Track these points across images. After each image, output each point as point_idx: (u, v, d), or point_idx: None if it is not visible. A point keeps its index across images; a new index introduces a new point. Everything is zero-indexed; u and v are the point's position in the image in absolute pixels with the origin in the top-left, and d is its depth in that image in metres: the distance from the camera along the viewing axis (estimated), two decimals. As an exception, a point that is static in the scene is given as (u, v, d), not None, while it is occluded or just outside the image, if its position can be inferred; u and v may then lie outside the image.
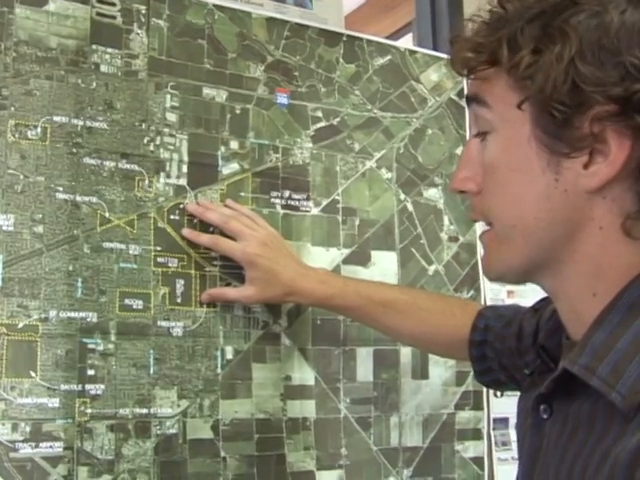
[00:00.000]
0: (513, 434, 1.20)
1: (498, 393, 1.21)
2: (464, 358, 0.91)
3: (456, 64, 0.60)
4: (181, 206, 0.92)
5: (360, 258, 1.05)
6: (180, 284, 0.90)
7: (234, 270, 0.93)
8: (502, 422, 1.19)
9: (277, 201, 0.99)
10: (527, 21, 0.54)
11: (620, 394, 0.51)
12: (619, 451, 0.49)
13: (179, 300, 0.90)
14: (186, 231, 0.91)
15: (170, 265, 0.90)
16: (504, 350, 0.82)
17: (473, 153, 0.60)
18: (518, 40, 0.54)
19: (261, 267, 0.89)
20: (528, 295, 1.24)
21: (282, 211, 1.00)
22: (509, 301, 1.24)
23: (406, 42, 1.23)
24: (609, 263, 0.55)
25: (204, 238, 0.91)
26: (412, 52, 1.16)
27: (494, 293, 1.22)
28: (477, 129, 0.61)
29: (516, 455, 1.18)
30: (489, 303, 1.19)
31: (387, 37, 1.35)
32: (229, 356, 0.92)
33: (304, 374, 0.98)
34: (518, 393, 1.33)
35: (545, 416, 0.59)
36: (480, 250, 1.17)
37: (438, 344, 0.95)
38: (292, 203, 1.01)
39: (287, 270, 0.90)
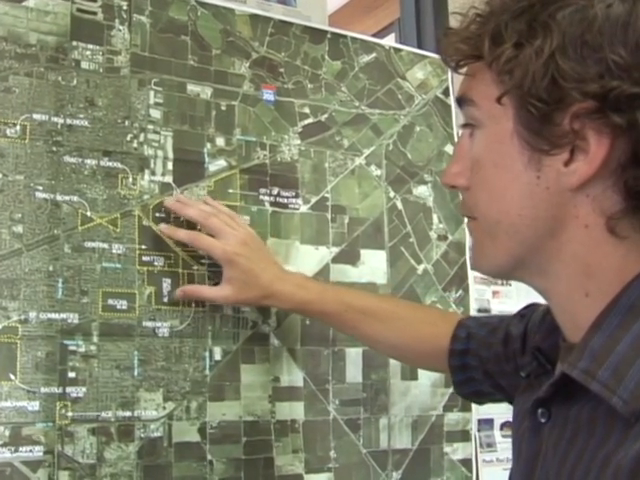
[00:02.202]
0: (498, 435, 1.20)
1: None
2: (444, 370, 0.90)
3: (445, 57, 0.59)
4: (166, 203, 0.91)
5: (349, 257, 1.04)
6: (167, 283, 0.88)
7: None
8: (487, 423, 1.19)
9: (266, 198, 0.98)
10: (514, 15, 0.53)
11: (621, 399, 0.50)
12: (621, 457, 0.48)
13: (166, 300, 0.88)
14: (163, 226, 0.89)
15: (156, 264, 0.88)
16: (490, 357, 0.81)
17: (464, 147, 0.60)
18: (502, 34, 0.54)
19: (240, 266, 0.87)
20: (513, 296, 1.25)
21: (271, 208, 0.98)
22: (494, 301, 1.24)
23: (389, 42, 1.22)
24: (598, 262, 0.54)
25: (182, 234, 0.89)
26: (397, 50, 1.16)
27: (479, 293, 1.21)
28: (466, 123, 0.60)
29: (501, 456, 1.18)
30: (474, 303, 1.18)
31: (370, 37, 1.34)
32: (217, 357, 0.91)
33: (293, 375, 0.96)
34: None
35: (543, 420, 0.58)
36: (469, 250, 1.16)
37: (418, 354, 0.93)
38: (281, 200, 0.99)
39: (266, 272, 0.88)
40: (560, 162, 0.53)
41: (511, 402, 0.81)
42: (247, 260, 0.87)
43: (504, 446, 1.19)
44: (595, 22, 0.51)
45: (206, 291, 0.89)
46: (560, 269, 0.56)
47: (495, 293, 1.24)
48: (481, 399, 0.92)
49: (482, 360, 0.83)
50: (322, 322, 0.96)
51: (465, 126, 0.60)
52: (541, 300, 0.75)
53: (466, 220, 1.14)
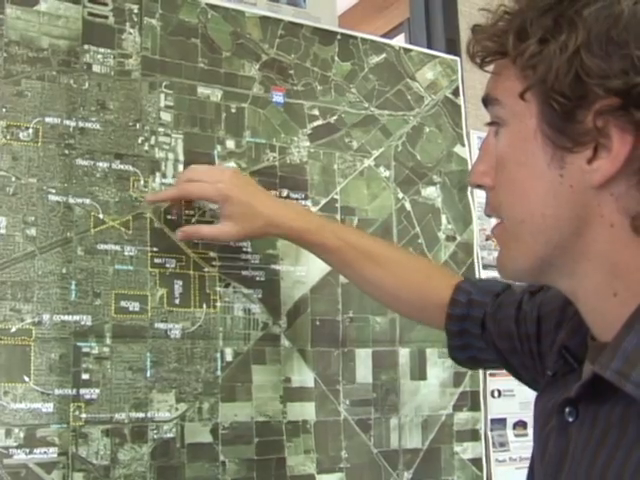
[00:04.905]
0: (511, 435, 1.19)
1: (495, 393, 1.20)
2: (434, 325, 0.88)
3: (471, 54, 0.58)
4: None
5: (359, 258, 1.04)
6: (178, 285, 0.89)
7: (234, 270, 0.93)
8: (500, 423, 1.19)
9: (275, 200, 0.98)
10: (541, 11, 0.53)
11: None
12: None
13: (177, 301, 0.89)
14: (180, 234, 0.89)
15: (168, 266, 0.89)
16: (501, 333, 0.79)
17: (489, 146, 0.59)
18: (527, 30, 0.53)
19: (237, 199, 0.85)
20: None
21: (280, 211, 0.99)
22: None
23: (399, 42, 1.22)
24: (626, 262, 0.53)
25: (168, 192, 0.88)
26: (407, 50, 1.16)
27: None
28: (492, 121, 0.60)
29: (514, 456, 1.18)
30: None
31: (380, 37, 1.34)
32: (229, 358, 0.91)
33: (304, 376, 0.97)
34: (514, 392, 1.32)
35: (570, 419, 0.56)
36: (477, 249, 1.16)
37: (410, 303, 0.90)
38: (290, 202, 0.99)
39: (262, 200, 0.87)
40: (583, 160, 0.52)
41: (516, 377, 0.79)
42: (242, 192, 0.86)
43: (517, 445, 1.19)
44: (621, 18, 0.50)
45: (205, 230, 0.88)
46: (587, 268, 0.55)
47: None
48: (476, 365, 0.90)
49: (490, 333, 0.81)
50: (318, 256, 0.92)
51: (491, 124, 0.59)
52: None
53: (476, 231, 1.14)
